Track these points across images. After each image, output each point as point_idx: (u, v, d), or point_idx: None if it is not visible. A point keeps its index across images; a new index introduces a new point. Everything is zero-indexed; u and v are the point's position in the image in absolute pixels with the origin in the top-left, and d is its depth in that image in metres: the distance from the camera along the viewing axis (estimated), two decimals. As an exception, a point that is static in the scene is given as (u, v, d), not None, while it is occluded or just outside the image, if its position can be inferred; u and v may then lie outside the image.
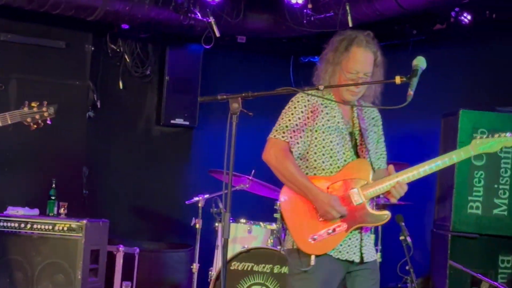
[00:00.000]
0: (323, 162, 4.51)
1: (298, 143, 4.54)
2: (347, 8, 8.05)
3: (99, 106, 9.08)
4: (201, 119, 9.55)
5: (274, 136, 4.60)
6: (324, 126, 4.52)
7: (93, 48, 8.98)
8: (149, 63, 9.53)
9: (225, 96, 4.24)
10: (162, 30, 8.98)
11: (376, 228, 6.81)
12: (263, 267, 6.75)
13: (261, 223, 7.31)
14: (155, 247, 9.20)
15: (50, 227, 7.45)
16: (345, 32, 4.66)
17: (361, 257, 4.53)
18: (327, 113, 4.56)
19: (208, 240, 7.89)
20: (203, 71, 9.54)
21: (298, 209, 4.51)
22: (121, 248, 8.14)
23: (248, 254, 6.82)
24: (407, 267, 5.59)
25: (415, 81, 4.34)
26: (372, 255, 4.62)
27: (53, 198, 7.83)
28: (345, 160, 4.52)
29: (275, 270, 6.71)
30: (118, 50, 9.33)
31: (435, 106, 8.17)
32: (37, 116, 5.83)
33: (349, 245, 4.49)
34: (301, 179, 4.47)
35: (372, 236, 6.48)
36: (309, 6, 8.46)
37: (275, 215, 7.24)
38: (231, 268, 6.77)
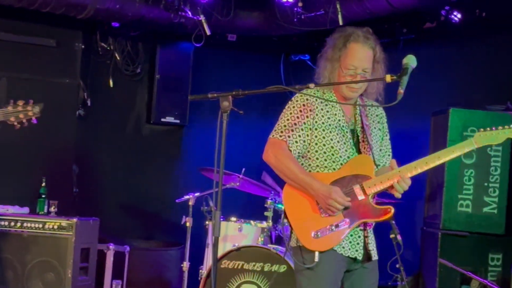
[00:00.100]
0: (325, 160, 4.52)
1: (296, 142, 4.54)
2: (338, 6, 8.06)
3: (89, 104, 9.07)
4: (192, 117, 9.54)
5: (273, 136, 4.61)
6: (324, 124, 4.53)
7: (83, 46, 8.97)
8: (139, 61, 9.52)
9: (215, 94, 4.24)
10: (152, 28, 8.98)
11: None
12: (254, 265, 6.74)
13: (251, 221, 7.31)
14: (145, 246, 9.19)
15: (40, 225, 7.44)
16: (344, 28, 4.66)
17: (368, 255, 4.54)
18: (327, 111, 4.56)
19: (198, 239, 7.89)
20: (194, 69, 9.53)
21: (300, 206, 4.52)
22: (112, 246, 8.13)
23: (238, 253, 6.81)
24: (397, 265, 5.58)
25: (405, 79, 4.35)
26: (376, 253, 4.62)
27: (43, 196, 7.81)
28: (348, 157, 4.52)
29: (266, 268, 6.71)
30: (108, 48, 9.31)
31: (425, 104, 8.19)
32: (21, 115, 5.68)
33: (350, 242, 4.49)
34: (301, 175, 4.47)
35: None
36: (300, 4, 8.46)
37: (266, 213, 7.25)
38: (222, 266, 6.76)
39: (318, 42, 9.51)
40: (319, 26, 8.48)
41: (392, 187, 4.44)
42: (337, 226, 4.42)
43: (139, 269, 8.65)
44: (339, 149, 4.51)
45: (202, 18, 8.61)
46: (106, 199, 9.27)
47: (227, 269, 6.78)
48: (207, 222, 7.44)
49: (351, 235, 4.49)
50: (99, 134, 9.28)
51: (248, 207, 8.44)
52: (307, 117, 4.54)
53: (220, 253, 6.84)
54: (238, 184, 7.52)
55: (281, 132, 4.57)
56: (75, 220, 7.44)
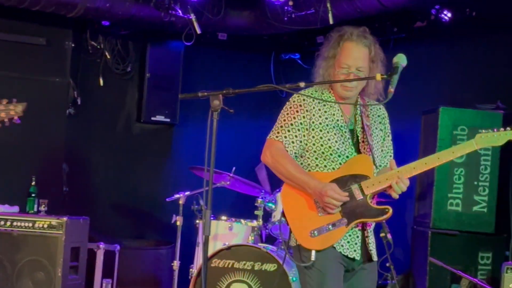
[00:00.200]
0: (324, 160, 4.50)
1: (293, 142, 4.53)
2: (328, 5, 8.07)
3: (79, 103, 9.05)
4: (182, 116, 9.54)
5: (270, 136, 4.60)
6: (321, 124, 4.51)
7: (73, 45, 8.95)
8: (129, 60, 9.50)
9: (206, 93, 4.23)
10: (142, 27, 8.97)
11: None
12: (244, 264, 6.74)
13: (242, 220, 7.31)
14: (135, 245, 9.18)
15: (30, 224, 7.42)
16: (341, 28, 4.63)
17: (368, 255, 4.53)
18: (325, 111, 4.54)
19: (189, 237, 7.89)
20: (184, 68, 9.52)
21: (298, 205, 4.51)
22: (102, 245, 8.11)
23: (229, 251, 6.81)
24: (387, 264, 5.59)
25: (395, 78, 4.36)
26: (374, 255, 4.59)
27: (33, 195, 7.79)
28: (346, 157, 4.49)
29: (256, 267, 6.71)
30: (98, 47, 9.29)
31: (415, 103, 8.20)
32: (3, 114, 5.56)
33: (349, 242, 4.48)
34: (298, 174, 4.47)
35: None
36: (290, 3, 8.47)
37: (256, 212, 7.25)
38: (212, 265, 6.76)
39: (308, 41, 9.54)
40: (309, 25, 8.49)
41: (390, 187, 4.41)
42: (334, 225, 4.40)
43: (130, 268, 8.64)
44: (337, 149, 4.49)
45: (192, 17, 8.60)
46: (96, 198, 9.26)
47: (217, 268, 6.78)
48: (197, 221, 7.44)
49: (350, 235, 4.48)
50: (89, 133, 9.27)
51: (239, 206, 8.44)
52: (303, 117, 4.52)
53: (210, 252, 6.83)
54: (228, 183, 7.52)
55: (278, 132, 4.56)
56: (65, 219, 7.42)
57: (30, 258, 7.38)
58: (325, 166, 4.50)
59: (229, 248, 6.83)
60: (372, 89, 4.59)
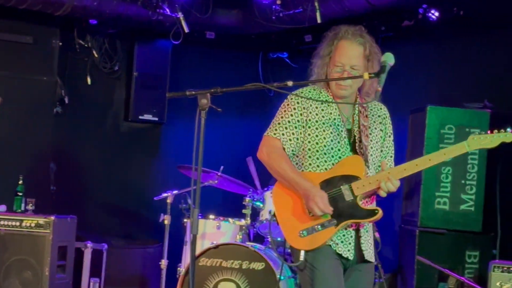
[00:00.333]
0: (317, 159, 4.49)
1: (290, 140, 4.52)
2: (316, 4, 8.08)
3: (67, 101, 9.02)
4: (170, 115, 9.53)
5: (267, 133, 4.59)
6: (318, 122, 4.50)
7: (60, 44, 8.92)
8: (117, 58, 9.48)
9: (193, 92, 4.22)
10: (130, 25, 8.95)
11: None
12: (232, 263, 6.74)
13: (229, 219, 7.31)
14: (123, 243, 9.16)
15: (18, 223, 7.40)
16: (337, 26, 4.60)
17: (360, 256, 4.51)
18: (322, 110, 4.53)
19: (176, 236, 7.88)
20: (172, 67, 9.51)
21: (288, 205, 4.51)
22: (89, 244, 8.10)
23: (216, 250, 6.81)
24: (375, 263, 5.60)
25: (383, 77, 4.36)
26: (371, 256, 4.57)
27: (20, 194, 7.76)
28: (340, 157, 4.48)
29: (244, 266, 6.71)
30: (86, 45, 9.27)
31: (403, 102, 8.21)
32: None
33: (342, 242, 4.47)
34: (291, 174, 4.46)
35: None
36: (278, 2, 8.47)
37: (244, 211, 7.26)
38: (200, 264, 6.76)
39: (296, 40, 9.54)
40: (297, 24, 8.49)
41: (380, 187, 4.39)
42: (323, 225, 4.40)
43: (117, 267, 8.62)
44: (332, 148, 4.48)
45: (180, 15, 8.59)
46: (84, 197, 9.24)
47: (205, 267, 6.77)
48: (185, 220, 7.43)
49: (344, 235, 4.47)
50: (77, 131, 9.24)
51: (227, 205, 8.44)
52: (301, 115, 4.52)
53: (198, 251, 6.83)
54: (216, 182, 7.52)
55: (275, 130, 4.55)
56: (52, 218, 7.41)
57: (18, 257, 7.36)
58: (318, 166, 4.50)
59: (217, 247, 6.82)
60: (368, 88, 4.56)
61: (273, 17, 8.60)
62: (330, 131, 4.49)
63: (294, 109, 4.54)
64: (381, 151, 4.64)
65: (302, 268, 4.49)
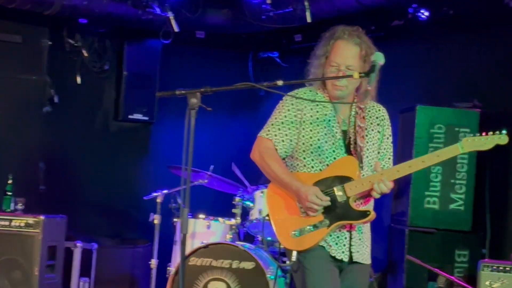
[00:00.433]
0: (312, 160, 4.49)
1: (283, 140, 4.52)
2: (306, 4, 8.08)
3: (56, 101, 9.00)
4: (160, 114, 9.52)
5: (260, 134, 4.59)
6: (312, 123, 4.50)
7: (50, 43, 8.90)
8: (107, 58, 9.46)
9: (183, 91, 4.21)
10: (120, 24, 8.93)
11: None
12: (222, 263, 6.74)
13: (220, 218, 7.31)
14: (113, 243, 9.15)
15: (7, 223, 7.39)
16: (335, 27, 4.59)
17: (350, 257, 4.50)
18: (317, 111, 4.52)
19: (166, 236, 7.88)
20: (162, 66, 9.50)
21: (281, 206, 4.52)
22: (79, 244, 8.08)
23: (206, 250, 6.81)
24: (367, 263, 5.61)
25: (373, 76, 4.37)
26: (364, 257, 4.56)
27: (9, 193, 7.74)
28: (334, 158, 4.47)
29: (234, 266, 6.71)
30: (75, 44, 9.24)
31: (392, 101, 8.15)
32: None
33: (336, 243, 4.46)
34: (282, 175, 4.47)
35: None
36: (268, 1, 8.47)
37: (234, 210, 7.26)
38: (190, 263, 6.76)
39: (286, 40, 9.55)
40: (287, 23, 8.50)
41: (372, 188, 4.38)
42: (315, 226, 4.40)
43: (107, 267, 8.61)
44: (326, 149, 4.47)
45: (170, 15, 8.59)
46: (74, 196, 9.21)
47: (195, 266, 6.77)
48: (175, 219, 7.44)
49: (338, 237, 4.47)
50: (67, 131, 9.22)
51: (217, 204, 8.43)
52: (295, 116, 4.52)
53: (188, 250, 6.83)
54: (206, 181, 7.52)
55: (268, 130, 4.56)
56: (42, 217, 7.39)
57: (7, 257, 7.34)
58: (313, 166, 4.49)
59: (207, 246, 6.83)
60: (365, 89, 4.52)
61: (263, 17, 8.60)
62: (325, 132, 4.49)
63: (288, 110, 4.54)
64: (378, 152, 4.63)
65: (296, 269, 4.50)
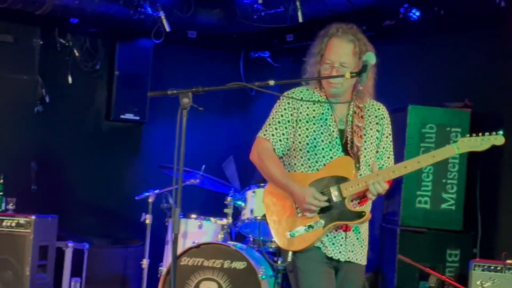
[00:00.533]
0: (308, 159, 4.48)
1: (280, 140, 4.51)
2: (297, 3, 8.09)
3: (47, 100, 8.99)
4: (151, 114, 9.51)
5: (258, 135, 4.58)
6: (308, 123, 4.49)
7: (41, 42, 8.89)
8: (98, 57, 9.45)
9: (175, 91, 4.21)
10: (111, 24, 8.92)
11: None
12: (213, 262, 6.74)
13: (211, 218, 7.31)
14: (104, 243, 9.14)
15: (-2, 223, 7.38)
16: (330, 25, 4.57)
17: (346, 256, 4.49)
18: (313, 110, 4.51)
19: (158, 236, 7.87)
20: (153, 66, 9.49)
21: (278, 206, 4.52)
22: (70, 244, 8.07)
23: (198, 250, 6.81)
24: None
25: (364, 76, 4.37)
26: (358, 257, 4.56)
27: (0, 193, 7.73)
28: (331, 157, 4.45)
29: (225, 265, 6.71)
30: (67, 44, 9.23)
31: (384, 101, 8.17)
32: None
33: (333, 243, 4.46)
34: (279, 176, 4.46)
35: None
36: (260, 1, 8.48)
37: (226, 210, 7.26)
38: (181, 263, 6.75)
39: (278, 39, 9.55)
40: (279, 23, 8.49)
41: (368, 189, 4.37)
42: (311, 226, 4.39)
43: (98, 267, 8.60)
44: (323, 149, 4.46)
45: (161, 14, 8.58)
46: (65, 196, 9.20)
47: (187, 266, 6.77)
48: (166, 219, 7.43)
49: (335, 237, 4.47)
50: (58, 131, 9.21)
51: (208, 204, 8.43)
52: (291, 115, 4.51)
53: (179, 250, 6.83)
54: (198, 181, 7.51)
55: (265, 130, 4.55)
56: (33, 217, 7.38)
57: (-2, 257, 7.34)
58: (309, 166, 4.48)
59: (198, 246, 6.83)
60: (365, 86, 4.49)
61: (255, 17, 8.60)
62: (321, 131, 4.48)
63: (285, 109, 4.53)
64: (377, 151, 4.61)
65: (291, 270, 4.50)
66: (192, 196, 7.70)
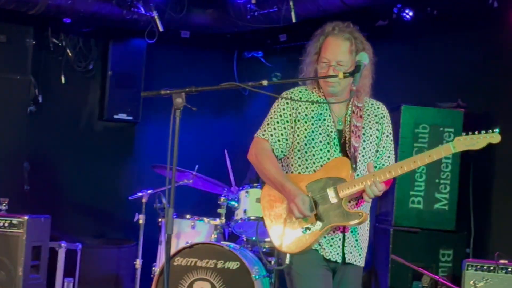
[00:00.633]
0: (306, 160, 4.46)
1: (279, 140, 4.50)
2: (291, 3, 8.09)
3: (40, 101, 8.98)
4: (145, 114, 9.50)
5: (257, 134, 4.56)
6: (306, 123, 4.47)
7: (34, 42, 8.88)
8: (91, 57, 9.44)
9: (168, 91, 4.21)
10: (105, 24, 8.91)
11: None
12: (207, 263, 6.74)
13: (204, 218, 7.30)
14: (97, 243, 9.13)
15: (-9, 223, 7.37)
16: (326, 24, 4.55)
17: (343, 258, 4.48)
18: (312, 110, 4.49)
19: (151, 236, 7.86)
20: (147, 66, 9.49)
21: (275, 207, 4.50)
22: (63, 244, 8.06)
23: (191, 250, 6.80)
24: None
25: (357, 76, 4.36)
26: (356, 259, 4.55)
27: (-7, 194, 7.73)
28: (328, 158, 4.43)
29: (219, 265, 6.71)
30: (60, 44, 9.22)
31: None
32: None
33: (331, 245, 4.44)
34: (277, 177, 4.43)
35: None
36: (253, 1, 8.48)
37: (219, 210, 7.25)
38: (175, 263, 6.75)
39: (271, 39, 9.55)
40: (272, 23, 8.49)
41: (364, 190, 4.34)
42: (308, 229, 4.36)
43: (91, 267, 8.59)
44: (321, 149, 4.44)
45: (155, 14, 8.57)
46: (58, 196, 9.19)
47: (180, 266, 6.77)
48: (160, 219, 7.42)
49: (332, 238, 4.45)
50: (51, 131, 9.19)
51: (202, 204, 8.43)
52: (290, 115, 4.49)
53: (173, 250, 6.83)
54: (191, 181, 7.51)
55: (264, 130, 4.53)
56: (26, 217, 7.37)
57: (-9, 257, 7.32)
58: (307, 167, 4.47)
59: (191, 246, 6.82)
60: (360, 86, 4.49)
61: (248, 16, 8.60)
62: (319, 132, 4.46)
63: (283, 109, 4.52)
64: (377, 151, 4.59)
65: (288, 272, 4.49)
66: (185, 196, 7.69)
